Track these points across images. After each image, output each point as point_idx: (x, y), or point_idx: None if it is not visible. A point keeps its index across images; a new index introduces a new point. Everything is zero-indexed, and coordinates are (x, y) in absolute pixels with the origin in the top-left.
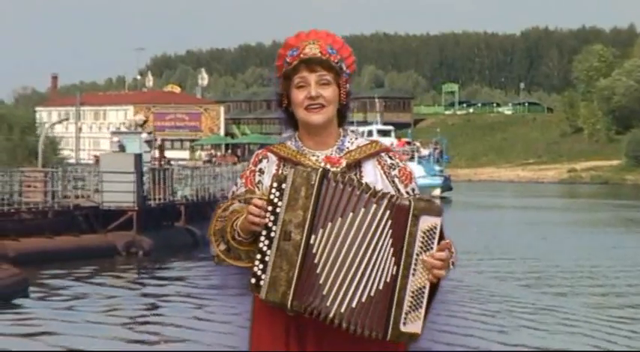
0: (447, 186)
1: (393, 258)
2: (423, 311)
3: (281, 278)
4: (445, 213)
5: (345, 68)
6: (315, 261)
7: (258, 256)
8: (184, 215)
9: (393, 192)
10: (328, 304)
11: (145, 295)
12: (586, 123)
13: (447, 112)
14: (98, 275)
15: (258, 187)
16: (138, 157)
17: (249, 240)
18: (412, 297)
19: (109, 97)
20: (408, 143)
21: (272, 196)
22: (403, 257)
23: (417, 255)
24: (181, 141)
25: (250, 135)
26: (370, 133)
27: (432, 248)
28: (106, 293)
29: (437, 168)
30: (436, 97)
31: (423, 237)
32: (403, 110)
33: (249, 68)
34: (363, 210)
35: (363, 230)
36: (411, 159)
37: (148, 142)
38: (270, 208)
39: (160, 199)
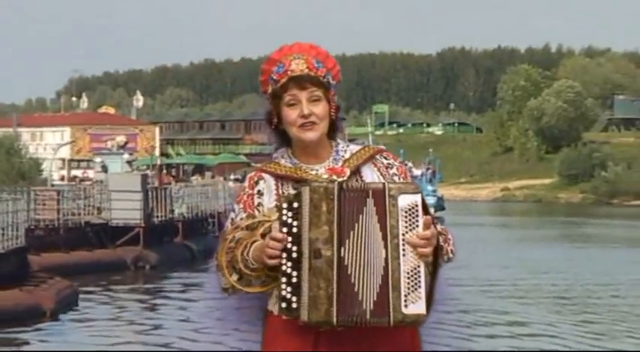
0: (440, 206)
1: (382, 242)
2: (423, 290)
3: (320, 296)
4: None
5: (331, 80)
6: (349, 271)
7: (284, 279)
8: (182, 231)
9: (381, 185)
10: (364, 307)
11: (181, 307)
12: (516, 142)
13: (377, 133)
14: (126, 289)
15: (258, 210)
16: (144, 177)
17: (262, 267)
18: (408, 278)
19: (45, 119)
20: (401, 163)
21: (284, 217)
22: (389, 238)
23: (403, 234)
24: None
25: (185, 156)
26: None
27: (417, 225)
28: (140, 305)
29: (430, 187)
30: (359, 118)
31: (406, 216)
32: None
33: (167, 89)
34: (365, 208)
35: (367, 226)
36: None
37: (129, 163)
38: (284, 230)
39: (160, 216)
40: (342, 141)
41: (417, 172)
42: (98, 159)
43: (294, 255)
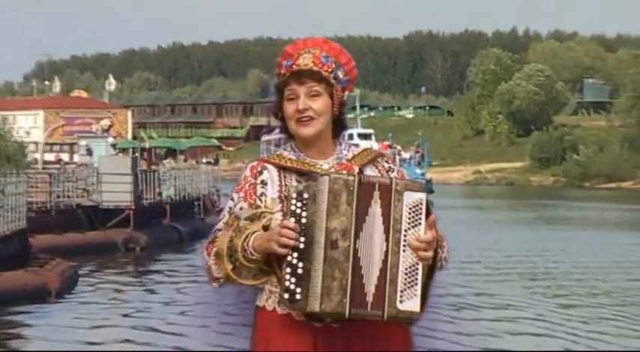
0: (428, 189)
1: (384, 235)
2: (419, 288)
3: (334, 287)
4: None
5: (341, 76)
6: (361, 263)
7: (288, 270)
8: (169, 213)
9: (388, 180)
10: (367, 299)
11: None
12: (487, 126)
13: (349, 116)
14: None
15: (260, 200)
16: (134, 160)
17: (261, 258)
18: (406, 274)
19: (18, 102)
20: (390, 146)
21: (293, 207)
22: (391, 232)
23: (406, 230)
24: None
25: (157, 139)
26: (351, 136)
27: (419, 223)
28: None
29: (418, 171)
30: None
31: (410, 213)
32: None
33: (135, 73)
34: (372, 201)
35: (374, 220)
36: None
37: (114, 146)
38: (292, 220)
39: (148, 199)
40: (345, 142)
41: (406, 155)
42: (83, 143)
43: (302, 245)
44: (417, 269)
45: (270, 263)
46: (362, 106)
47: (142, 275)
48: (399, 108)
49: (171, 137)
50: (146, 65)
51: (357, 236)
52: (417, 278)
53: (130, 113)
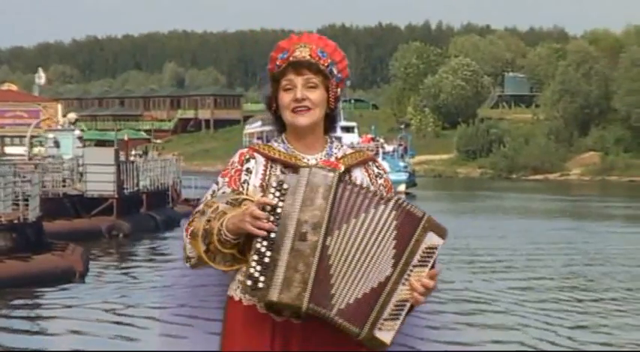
0: (411, 182)
1: (392, 260)
2: (399, 324)
3: (295, 279)
4: None
5: (335, 72)
6: (330, 261)
7: (255, 257)
8: (146, 202)
9: (399, 196)
10: (333, 302)
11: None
12: (413, 119)
13: None
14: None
15: (243, 186)
16: (117, 151)
17: (234, 241)
18: (395, 306)
19: None
20: (373, 139)
21: (272, 196)
22: (401, 263)
23: (413, 266)
24: (21, 137)
25: (87, 132)
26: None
27: (426, 266)
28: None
29: (401, 164)
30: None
31: (424, 253)
32: (233, 107)
33: (51, 66)
34: (373, 210)
35: (371, 230)
36: (376, 155)
37: (80, 138)
38: (268, 209)
39: (128, 189)
40: (337, 141)
41: (389, 148)
42: (51, 135)
43: (273, 235)
44: (405, 305)
45: (245, 251)
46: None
47: (139, 257)
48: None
49: (100, 130)
50: (61, 58)
51: (328, 233)
52: (401, 314)
53: (60, 106)
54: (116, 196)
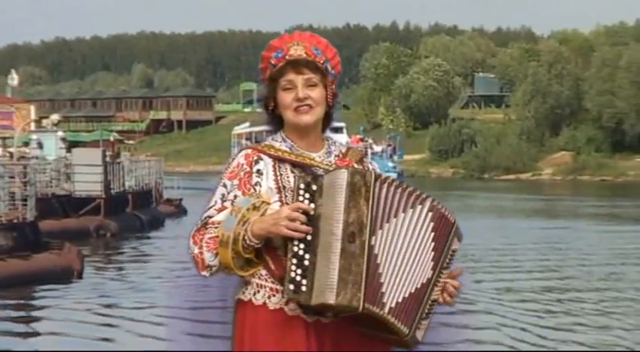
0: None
1: (432, 263)
2: (428, 323)
3: (349, 280)
4: None
5: (330, 69)
6: (377, 261)
7: (294, 261)
8: (132, 202)
9: (431, 196)
10: (384, 301)
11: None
12: (385, 119)
13: (246, 110)
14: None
15: (255, 189)
16: (104, 152)
17: (257, 246)
18: (430, 305)
19: None
20: (362, 140)
21: (301, 198)
22: (439, 266)
23: (444, 269)
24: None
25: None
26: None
27: (449, 268)
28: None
29: (390, 164)
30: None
31: (450, 257)
32: (205, 108)
33: (20, 68)
34: (411, 210)
35: (411, 230)
36: (365, 155)
37: (63, 140)
38: (301, 211)
39: (114, 189)
40: (331, 138)
41: (378, 149)
42: (34, 137)
43: (309, 237)
44: (434, 305)
45: (260, 255)
46: (258, 100)
47: (136, 256)
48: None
49: (73, 131)
50: (30, 60)
51: (373, 232)
52: (431, 313)
53: (33, 107)
54: (104, 196)
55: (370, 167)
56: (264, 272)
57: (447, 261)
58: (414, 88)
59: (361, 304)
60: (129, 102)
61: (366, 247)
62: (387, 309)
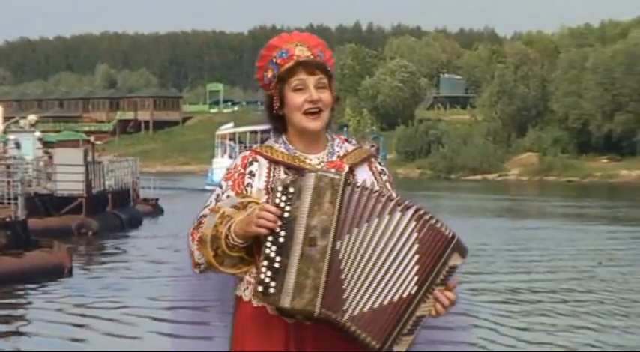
0: None
1: (416, 277)
2: (412, 338)
3: (306, 285)
4: None
5: (330, 71)
6: (341, 266)
7: (265, 263)
8: (111, 202)
9: (418, 205)
10: (345, 308)
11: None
12: (351, 120)
13: (212, 111)
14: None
15: (246, 190)
16: (86, 152)
17: (242, 245)
18: (414, 321)
19: None
20: (346, 140)
21: (277, 200)
22: (428, 282)
23: (436, 285)
24: None
25: None
26: None
27: (445, 285)
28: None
29: None
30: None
31: (446, 272)
32: (172, 108)
33: None
34: (387, 217)
35: (387, 237)
36: None
37: (40, 139)
38: (273, 210)
39: (95, 188)
40: (337, 137)
41: None
42: (12, 137)
43: (281, 239)
44: (422, 320)
45: (253, 253)
46: (225, 101)
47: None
48: (262, 103)
49: (42, 131)
50: None
51: (338, 237)
52: (417, 330)
53: (1, 108)
54: (85, 195)
55: (379, 167)
56: (254, 269)
57: (442, 277)
58: (381, 89)
59: (317, 309)
60: (96, 103)
61: (328, 252)
62: (346, 316)
